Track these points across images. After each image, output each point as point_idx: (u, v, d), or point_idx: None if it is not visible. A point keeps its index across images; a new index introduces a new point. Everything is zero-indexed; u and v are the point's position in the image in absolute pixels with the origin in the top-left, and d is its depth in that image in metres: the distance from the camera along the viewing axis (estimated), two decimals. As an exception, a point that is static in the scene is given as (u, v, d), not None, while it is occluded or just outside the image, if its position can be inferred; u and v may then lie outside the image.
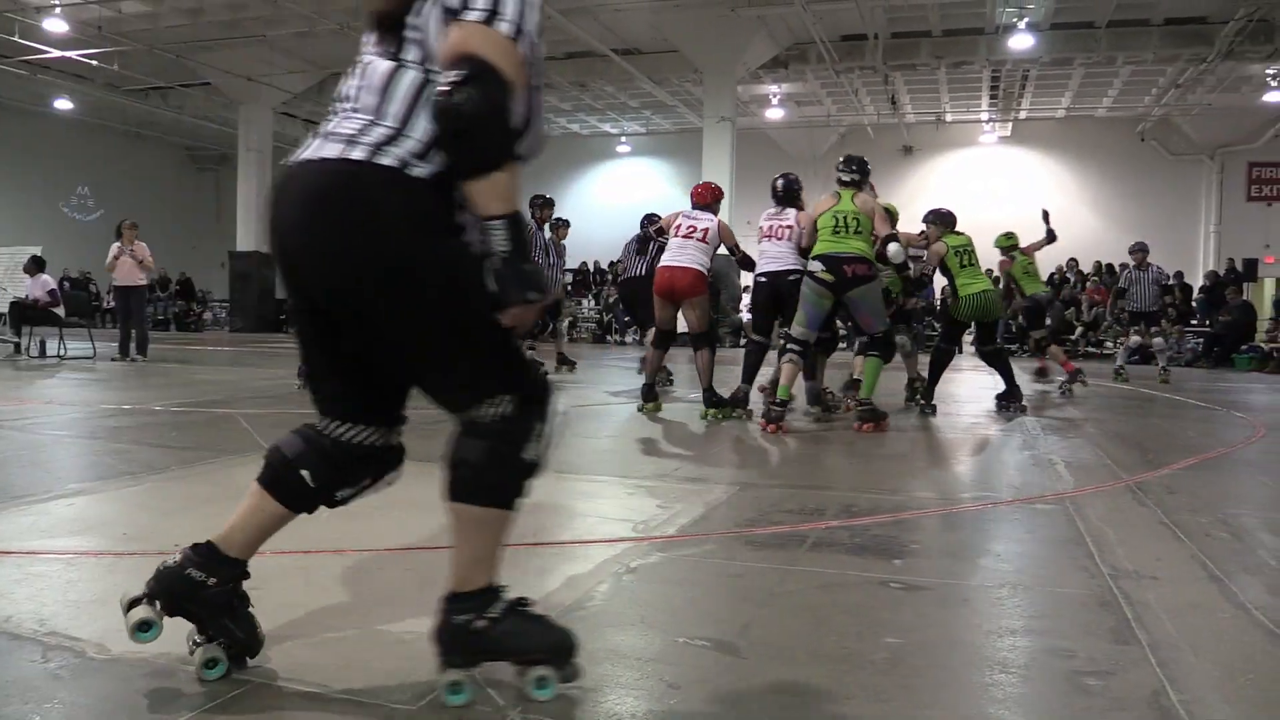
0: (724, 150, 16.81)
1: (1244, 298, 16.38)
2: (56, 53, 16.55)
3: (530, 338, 7.93)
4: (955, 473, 4.59)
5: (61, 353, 10.68)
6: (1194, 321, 16.71)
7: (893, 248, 5.71)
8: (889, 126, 21.05)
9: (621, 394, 7.64)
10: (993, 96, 19.31)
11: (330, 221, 1.52)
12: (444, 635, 1.65)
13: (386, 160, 1.52)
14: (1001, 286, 8.92)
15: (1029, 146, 21.62)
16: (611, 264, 19.86)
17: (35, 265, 11.28)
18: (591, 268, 21.60)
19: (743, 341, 7.26)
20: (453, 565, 1.65)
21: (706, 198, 6.49)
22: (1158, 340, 10.57)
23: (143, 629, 1.67)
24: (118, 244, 10.22)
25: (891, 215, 6.34)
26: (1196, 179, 20.48)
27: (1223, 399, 8.86)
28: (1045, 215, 8.67)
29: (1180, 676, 1.84)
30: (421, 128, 1.53)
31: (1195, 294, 17.64)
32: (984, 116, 20.87)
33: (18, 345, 10.88)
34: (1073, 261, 18.62)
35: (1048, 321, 9.45)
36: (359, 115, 1.58)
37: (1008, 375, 6.98)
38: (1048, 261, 17.27)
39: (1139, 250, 10.52)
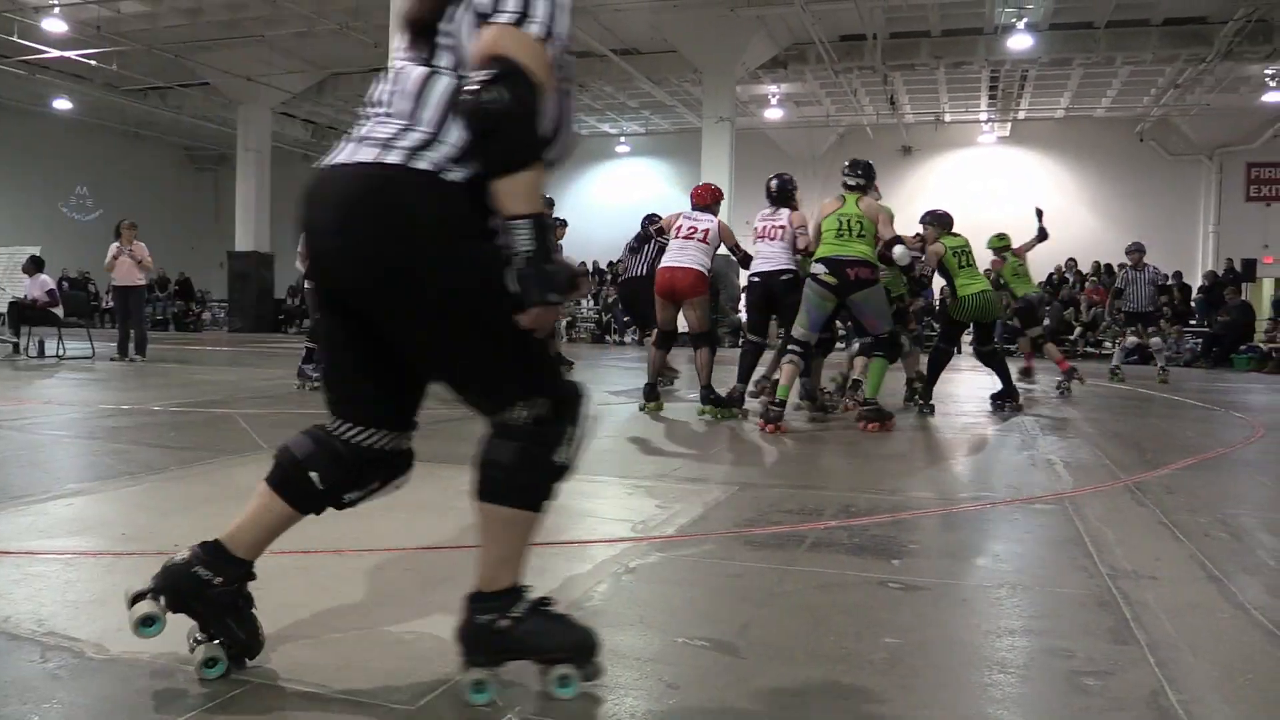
0: (723, 150, 16.82)
1: (1242, 298, 16.41)
2: (55, 52, 16.55)
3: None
4: (954, 473, 4.59)
5: (60, 353, 10.68)
6: (1193, 322, 16.72)
7: (898, 250, 5.75)
8: (888, 127, 21.06)
9: (622, 393, 7.64)
10: (991, 97, 19.32)
11: (366, 225, 1.53)
12: (468, 634, 1.66)
13: (422, 164, 1.53)
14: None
15: (1028, 147, 21.62)
16: (611, 264, 19.87)
17: (34, 265, 11.28)
18: (590, 268, 21.61)
19: (741, 342, 7.29)
20: (478, 565, 1.66)
21: (706, 199, 6.52)
22: (1155, 340, 10.58)
23: (146, 624, 1.67)
24: (116, 244, 10.22)
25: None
26: (1195, 179, 20.49)
27: (1221, 399, 8.87)
28: (1039, 214, 8.69)
29: (1179, 676, 1.84)
30: (456, 133, 1.53)
31: (1194, 294, 17.65)
32: (983, 117, 20.87)
33: (16, 345, 10.88)
34: (1071, 261, 18.64)
35: (1046, 322, 9.46)
36: (394, 120, 1.59)
37: (1004, 375, 7.04)
38: (1046, 261, 17.40)
39: (1135, 250, 10.53)
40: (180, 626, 1.72)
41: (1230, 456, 5.12)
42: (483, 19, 1.52)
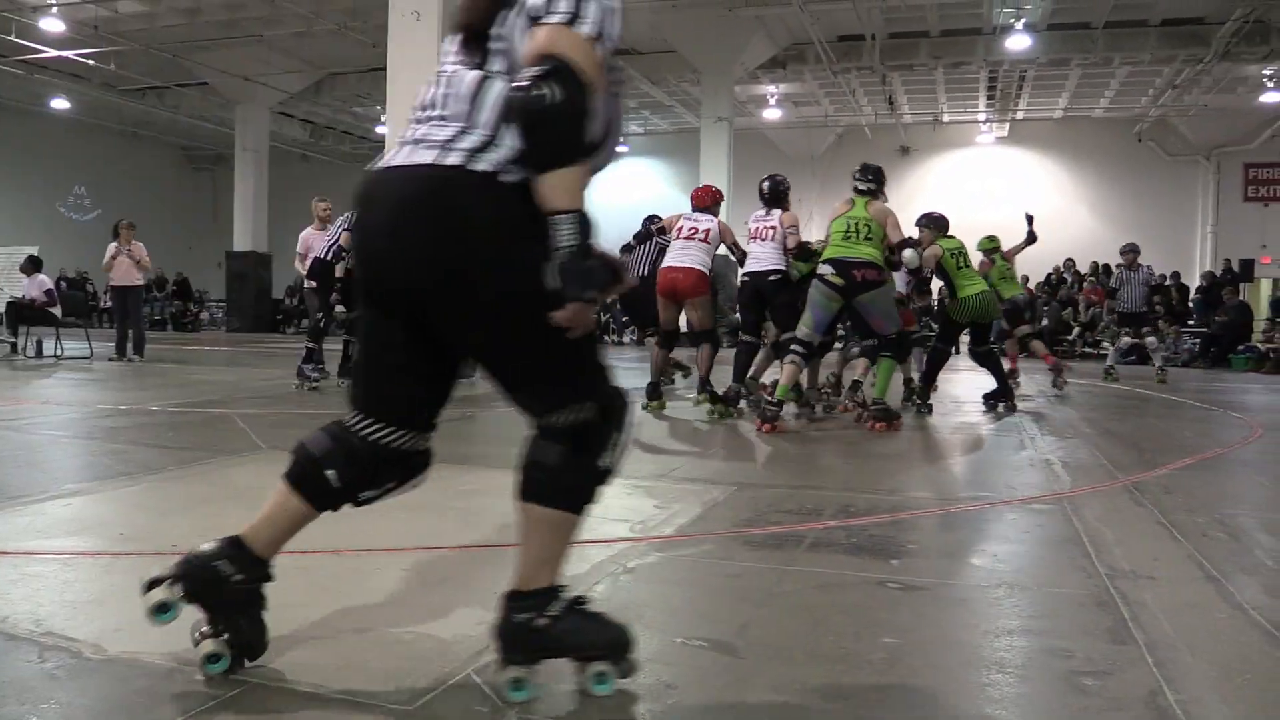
0: (721, 150, 16.83)
1: (1240, 298, 16.42)
2: (53, 52, 16.53)
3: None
4: (952, 473, 4.60)
5: (58, 353, 10.67)
6: (1191, 322, 16.74)
7: (908, 254, 5.80)
8: (886, 127, 21.07)
9: (620, 394, 7.63)
10: (990, 97, 19.34)
11: (424, 226, 1.55)
12: (505, 633, 1.68)
13: (481, 166, 1.54)
14: None
15: (1026, 147, 21.64)
16: (609, 264, 19.84)
17: (32, 265, 11.27)
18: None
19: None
20: (518, 564, 1.68)
21: (706, 200, 6.57)
22: (1151, 340, 10.62)
23: (161, 610, 1.68)
24: (115, 244, 10.21)
25: None
26: (1193, 179, 20.51)
27: (1219, 399, 8.88)
28: (1029, 219, 8.76)
29: (1177, 676, 1.84)
30: (513, 136, 1.54)
31: (1192, 294, 17.67)
32: (981, 117, 20.89)
33: (14, 345, 10.87)
34: (1070, 262, 18.65)
35: (1044, 322, 9.48)
36: (451, 123, 1.60)
37: (999, 374, 7.10)
38: (1044, 261, 17.41)
39: (1130, 251, 10.57)
40: (182, 625, 1.71)
41: (1228, 456, 5.12)
42: (534, 21, 1.53)
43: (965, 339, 7.60)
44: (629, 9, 15.03)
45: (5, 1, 14.65)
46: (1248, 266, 18.71)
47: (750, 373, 6.55)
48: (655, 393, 6.45)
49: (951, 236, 7.10)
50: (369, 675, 1.75)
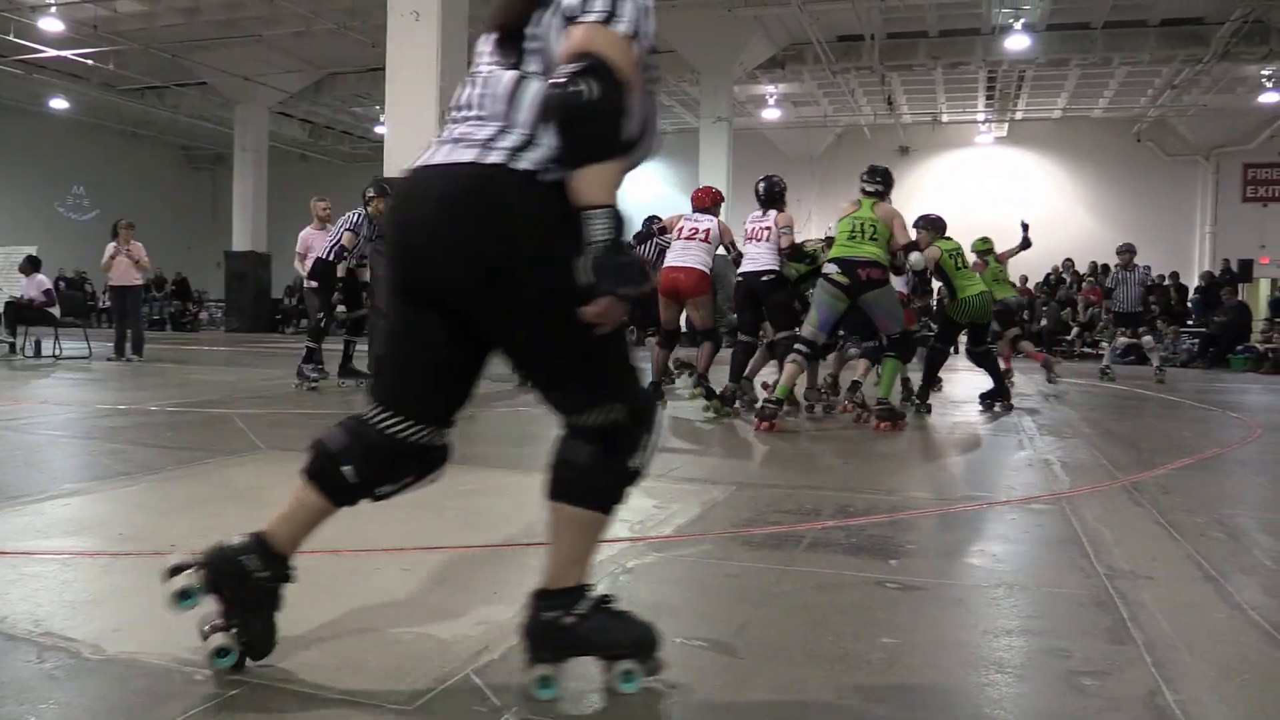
0: (720, 151, 16.83)
1: (1239, 298, 16.42)
2: (52, 52, 16.51)
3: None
4: (951, 473, 4.60)
5: (57, 353, 10.66)
6: (1190, 322, 16.75)
7: (914, 256, 5.85)
8: (885, 127, 21.06)
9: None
10: (989, 97, 19.34)
11: (467, 224, 1.55)
12: (533, 631, 1.69)
13: (523, 165, 1.55)
14: None
15: (1025, 147, 21.64)
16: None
17: (30, 265, 11.27)
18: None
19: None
20: (547, 563, 1.70)
21: (706, 202, 6.63)
22: (1147, 339, 10.64)
23: (184, 597, 1.69)
24: (114, 244, 10.20)
25: None
26: (1192, 180, 20.51)
27: (1218, 399, 8.89)
28: (1024, 226, 8.80)
29: (1176, 676, 1.85)
30: (550, 135, 1.54)
31: (1190, 294, 17.68)
32: (980, 117, 20.88)
33: (13, 345, 10.86)
34: (1068, 262, 18.65)
35: (1043, 322, 9.49)
36: (490, 122, 1.60)
37: (996, 374, 7.13)
38: (1043, 261, 17.40)
39: (1125, 251, 10.60)
40: (179, 625, 1.71)
41: (1227, 456, 5.13)
42: (570, 20, 1.54)
43: (962, 339, 7.63)
44: (628, 9, 15.06)
45: (4, 1, 14.64)
46: (1246, 267, 18.72)
47: (745, 372, 6.56)
48: (656, 393, 6.46)
49: (949, 238, 7.12)
50: (369, 675, 1.75)
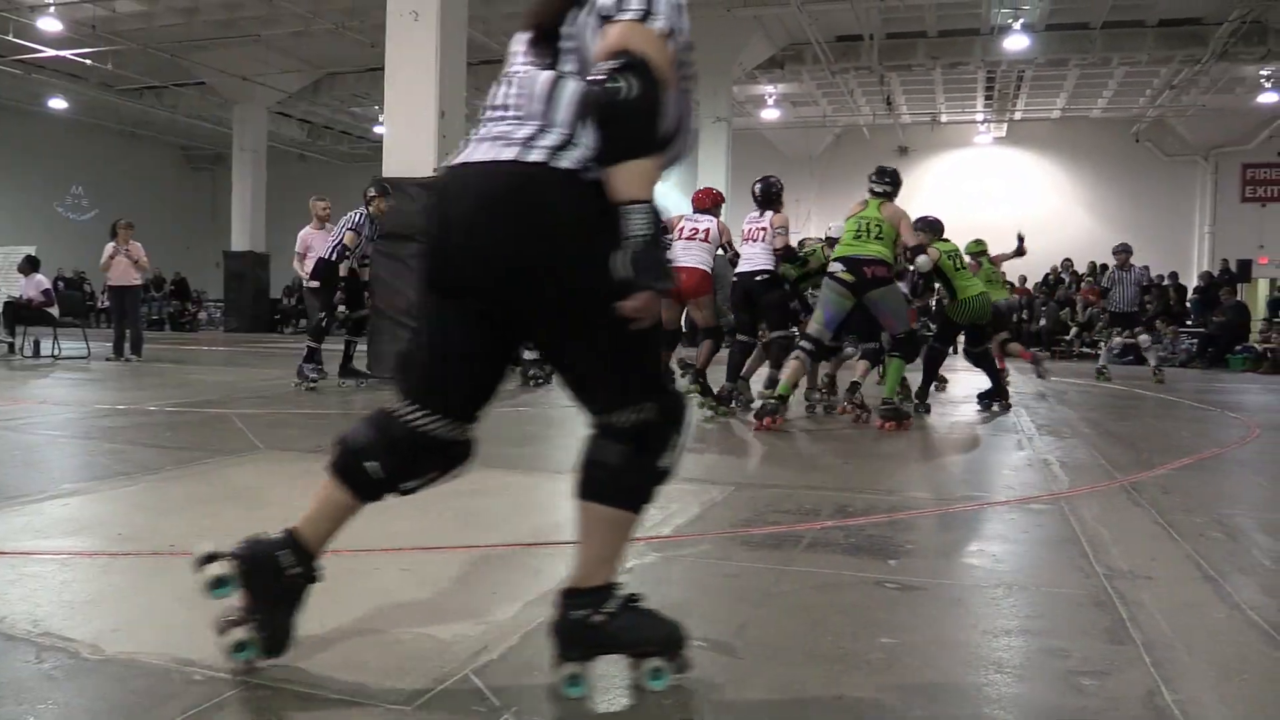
0: (719, 151, 16.81)
1: (1238, 298, 16.44)
2: (51, 52, 16.50)
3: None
4: (950, 473, 4.60)
5: (56, 353, 10.66)
6: (1189, 322, 16.76)
7: (921, 259, 5.88)
8: (884, 127, 21.07)
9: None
10: (988, 97, 19.34)
11: (508, 222, 1.56)
12: (562, 630, 1.70)
13: (564, 164, 1.56)
14: None
15: (1024, 147, 21.65)
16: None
17: (30, 265, 11.26)
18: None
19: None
20: (576, 562, 1.70)
21: (707, 203, 6.66)
22: (1144, 338, 10.66)
23: (218, 585, 1.70)
24: (113, 244, 10.20)
25: None
26: (1191, 180, 20.53)
27: (1217, 399, 8.89)
28: (1020, 238, 8.85)
29: (1175, 676, 1.85)
30: (589, 134, 1.55)
31: (1189, 295, 17.69)
32: (979, 117, 20.90)
33: (12, 345, 10.85)
34: (1067, 262, 18.67)
35: (1042, 322, 9.51)
36: (529, 121, 1.61)
37: (994, 375, 7.14)
38: (1042, 261, 17.42)
39: (1122, 251, 10.63)
40: (180, 625, 1.71)
41: (1226, 457, 5.13)
42: (605, 19, 1.55)
43: (961, 340, 7.64)
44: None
45: (3, 1, 14.63)
46: (1245, 267, 18.74)
47: (742, 372, 6.57)
48: None
49: (946, 240, 7.14)
50: (368, 675, 1.75)
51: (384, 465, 1.70)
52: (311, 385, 7.41)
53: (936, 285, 7.29)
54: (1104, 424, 6.55)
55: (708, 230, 6.38)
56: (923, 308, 8.36)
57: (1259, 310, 17.59)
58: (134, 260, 10.17)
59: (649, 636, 1.72)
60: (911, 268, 6.35)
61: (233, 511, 3.12)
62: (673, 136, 1.63)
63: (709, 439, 5.40)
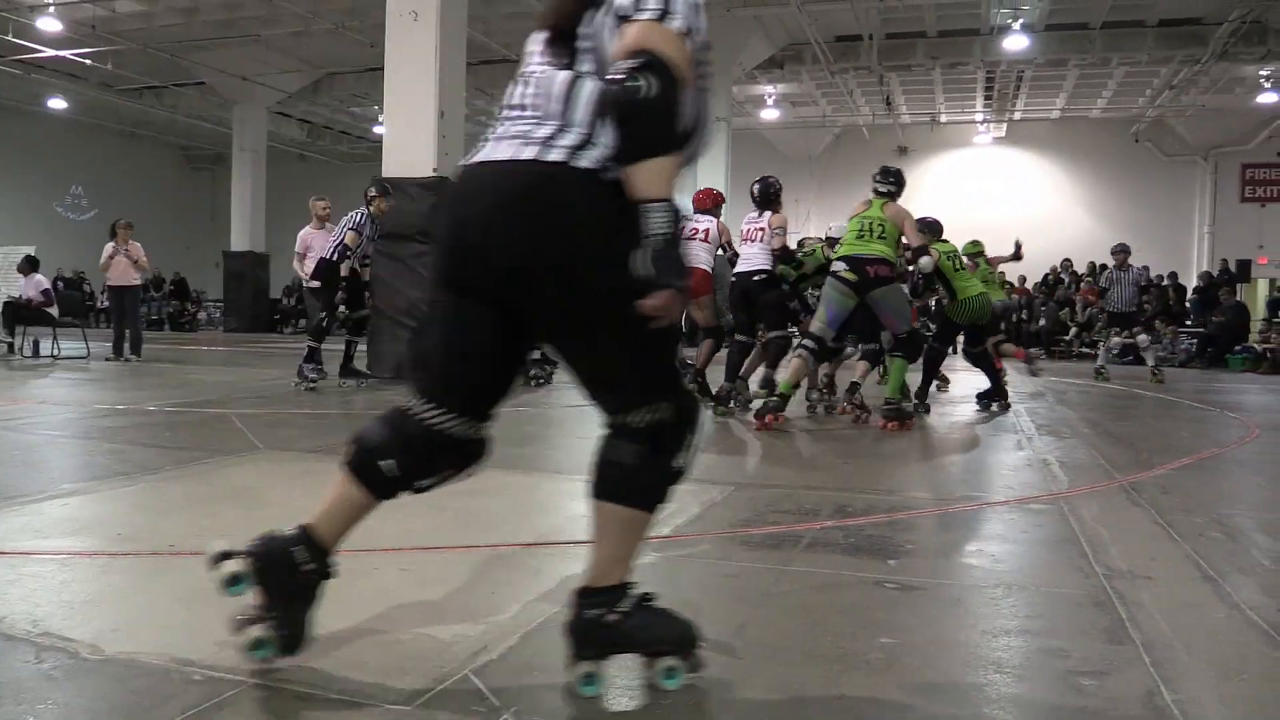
0: (719, 151, 16.78)
1: (1237, 298, 16.44)
2: (50, 52, 16.49)
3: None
4: (949, 473, 4.60)
5: (55, 353, 10.65)
6: (1188, 322, 16.76)
7: (924, 260, 5.89)
8: (884, 127, 21.07)
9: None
10: (987, 97, 19.34)
11: (526, 221, 1.57)
12: (577, 629, 1.70)
13: (583, 163, 1.56)
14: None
15: (1024, 147, 21.65)
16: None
17: (29, 265, 11.25)
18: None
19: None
20: (591, 561, 1.71)
21: (707, 203, 6.67)
22: (1142, 338, 10.67)
23: (234, 583, 1.70)
24: (112, 244, 10.20)
25: None
26: (1190, 180, 20.53)
27: (1216, 399, 8.89)
28: (1017, 244, 8.87)
29: (1174, 676, 1.85)
30: (608, 134, 1.56)
31: (1189, 295, 17.69)
32: (979, 117, 20.89)
33: (11, 345, 10.85)
34: (1067, 262, 18.67)
35: (1042, 322, 9.51)
36: (547, 121, 1.61)
37: (993, 375, 7.15)
38: (1042, 261, 17.43)
39: (1120, 251, 10.65)
40: (179, 625, 1.71)
41: (1225, 457, 5.13)
42: (623, 19, 1.56)
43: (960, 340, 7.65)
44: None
45: (3, 1, 14.62)
46: (1244, 267, 18.73)
47: (740, 372, 6.58)
48: None
49: (945, 241, 7.15)
50: (368, 675, 1.75)
51: (399, 463, 1.70)
52: (311, 385, 7.41)
53: (937, 285, 7.29)
54: (1103, 424, 6.55)
55: (708, 230, 6.39)
56: (923, 308, 8.37)
57: (1258, 310, 17.59)
58: (133, 260, 10.17)
59: (664, 635, 1.72)
60: (913, 268, 6.36)
61: (232, 511, 3.12)
62: (690, 135, 1.63)
63: (709, 439, 5.40)
